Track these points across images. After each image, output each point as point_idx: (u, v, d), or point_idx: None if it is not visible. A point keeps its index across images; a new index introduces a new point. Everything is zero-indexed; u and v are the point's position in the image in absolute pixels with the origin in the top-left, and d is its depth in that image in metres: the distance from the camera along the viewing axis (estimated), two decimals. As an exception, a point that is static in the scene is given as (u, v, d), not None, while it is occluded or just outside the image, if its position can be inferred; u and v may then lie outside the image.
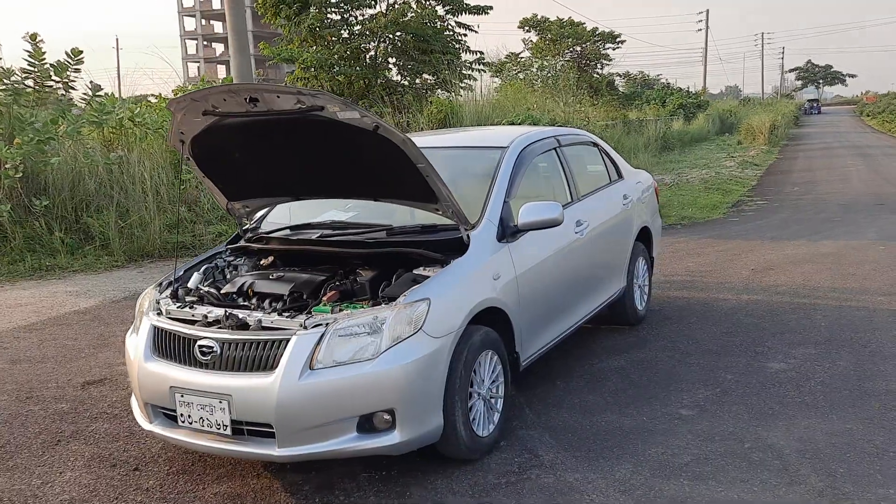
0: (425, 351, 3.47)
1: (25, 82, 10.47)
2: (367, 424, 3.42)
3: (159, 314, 3.83)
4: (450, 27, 15.89)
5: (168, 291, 4.05)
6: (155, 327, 3.78)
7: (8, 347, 6.24)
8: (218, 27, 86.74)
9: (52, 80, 10.66)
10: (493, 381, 4.00)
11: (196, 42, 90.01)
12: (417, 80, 15.51)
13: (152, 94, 15.17)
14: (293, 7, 14.87)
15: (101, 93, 10.74)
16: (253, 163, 4.20)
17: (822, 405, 4.43)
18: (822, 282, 7.46)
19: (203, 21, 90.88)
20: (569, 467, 3.78)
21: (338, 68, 14.30)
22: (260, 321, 3.53)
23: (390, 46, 15.45)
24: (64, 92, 10.55)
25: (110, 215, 10.08)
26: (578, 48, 35.58)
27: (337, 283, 3.85)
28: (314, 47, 14.69)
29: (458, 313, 3.67)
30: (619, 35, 36.16)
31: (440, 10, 15.67)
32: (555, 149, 5.21)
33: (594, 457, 3.88)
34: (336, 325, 3.41)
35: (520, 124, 11.81)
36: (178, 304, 3.84)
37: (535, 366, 5.04)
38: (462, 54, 16.06)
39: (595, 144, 5.97)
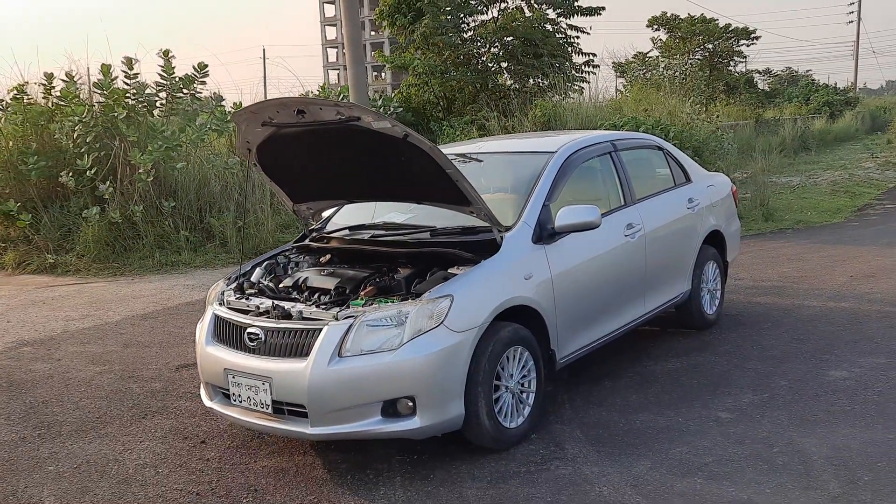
0: (446, 343, 3.73)
1: (159, 94, 11.50)
2: (390, 409, 3.72)
3: (220, 304, 4.30)
4: (562, 30, 15.95)
5: (234, 284, 4.51)
6: (216, 315, 4.25)
7: (124, 333, 7.00)
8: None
9: (183, 92, 11.64)
10: (524, 376, 4.20)
11: (336, 50, 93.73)
12: (530, 83, 15.65)
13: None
14: (407, 16, 15.44)
15: (223, 103, 11.66)
16: (311, 169, 4.61)
17: (872, 415, 4.33)
18: (922, 290, 7.09)
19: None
20: (589, 461, 3.93)
21: (448, 74, 14.70)
22: (301, 312, 3.91)
23: (502, 51, 15.71)
24: (191, 102, 11.51)
25: (230, 216, 10.91)
26: (710, 45, 34.41)
27: (377, 279, 4.18)
28: (427, 54, 15.17)
29: (482, 310, 3.90)
30: (753, 31, 34.68)
31: (551, 14, 15.77)
32: (610, 153, 5.31)
33: (617, 453, 4.01)
34: (364, 317, 3.74)
35: (621, 127, 11.77)
36: (237, 296, 4.28)
37: (585, 365, 5.21)
38: (574, 56, 16.09)
39: (660, 148, 5.99)
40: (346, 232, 4.89)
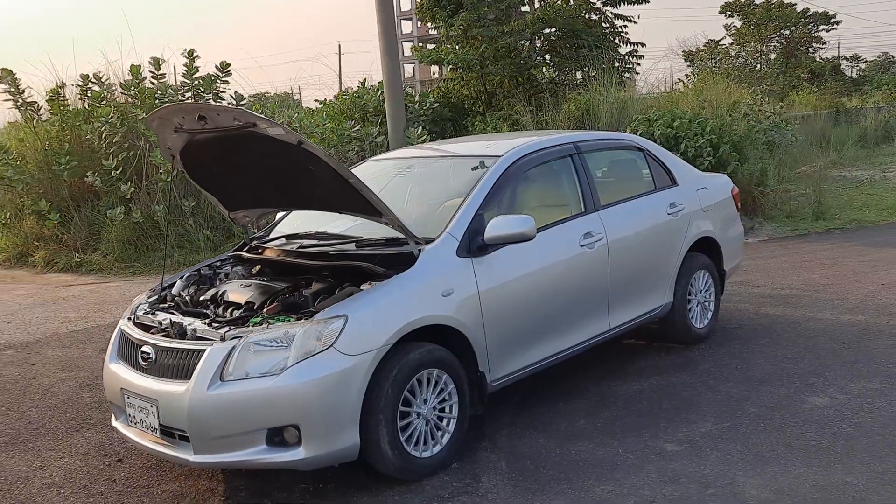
0: (336, 368, 3.45)
1: (185, 94, 11.55)
2: (276, 438, 3.47)
3: (129, 319, 4.13)
4: (607, 19, 15.33)
5: (155, 297, 4.34)
6: (121, 331, 4.09)
7: (108, 337, 6.95)
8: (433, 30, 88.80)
9: (211, 92, 11.65)
10: (444, 401, 3.88)
11: (411, 44, 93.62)
12: (573, 75, 15.11)
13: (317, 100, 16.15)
14: (447, 9, 15.11)
15: (243, 102, 11.62)
16: (236, 176, 4.39)
17: (837, 452, 3.83)
18: (956, 302, 6.39)
19: (419, 24, 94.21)
20: (500, 498, 3.59)
21: (484, 68, 14.31)
22: (195, 330, 3.70)
23: (545, 43, 15.22)
24: (214, 102, 11.51)
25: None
26: (786, 32, 32.74)
27: (286, 295, 3.93)
28: (464, 47, 14.80)
29: (383, 331, 3.61)
30: (833, 15, 32.85)
31: (597, 3, 15.17)
32: (571, 156, 4.90)
33: (535, 489, 3.65)
34: (250, 338, 3.50)
35: (655, 122, 11.16)
36: (146, 310, 4.11)
37: (545, 383, 4.90)
38: (621, 47, 15.44)
39: (639, 149, 5.52)
40: (283, 241, 4.67)
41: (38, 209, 11.12)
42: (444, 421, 3.90)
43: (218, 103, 11.62)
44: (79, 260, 10.66)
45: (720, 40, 33.05)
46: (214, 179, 4.52)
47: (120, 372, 3.91)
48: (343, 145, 12.09)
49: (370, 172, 5.13)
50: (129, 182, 10.77)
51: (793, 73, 32.06)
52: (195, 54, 11.40)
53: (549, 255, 4.45)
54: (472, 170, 4.48)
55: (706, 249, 5.73)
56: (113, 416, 4.12)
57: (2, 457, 4.43)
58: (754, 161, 11.64)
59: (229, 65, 11.43)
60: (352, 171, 3.70)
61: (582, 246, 4.65)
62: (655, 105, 13.17)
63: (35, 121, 11.72)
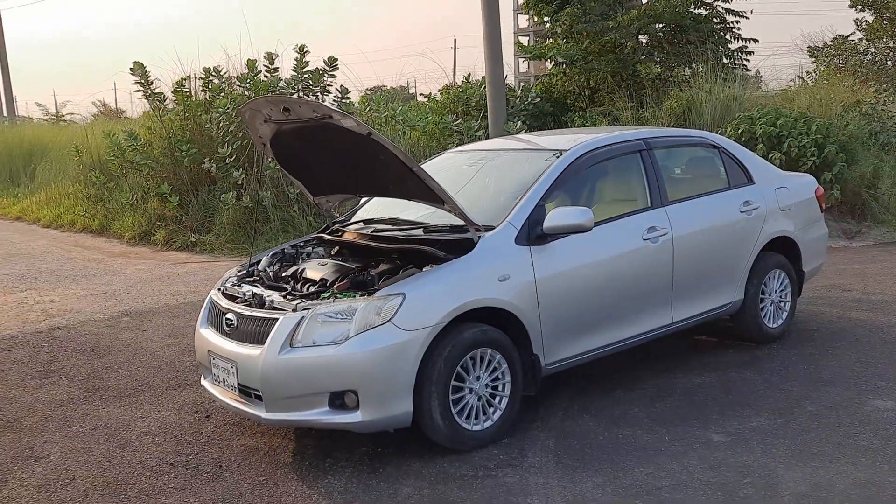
0: (391, 341, 3.76)
1: (296, 87, 12.20)
2: (337, 401, 3.82)
3: (219, 289, 4.59)
4: (718, 14, 14.97)
5: (244, 271, 4.79)
6: (211, 300, 4.55)
7: (212, 310, 7.58)
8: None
9: (319, 85, 12.25)
10: (496, 379, 4.13)
11: (528, 38, 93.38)
12: (683, 71, 14.86)
13: (422, 94, 16.59)
14: (552, 4, 15.20)
15: (348, 95, 12.17)
16: (320, 163, 4.78)
17: (888, 454, 3.83)
18: None
19: (535, 17, 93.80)
20: (542, 472, 3.81)
21: (587, 63, 14.33)
22: (272, 302, 4.10)
23: (651, 39, 15.04)
24: (321, 96, 12.11)
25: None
26: (924, 27, 30.68)
27: (355, 273, 4.27)
28: (569, 43, 14.86)
29: (438, 309, 3.88)
30: (978, 9, 30.46)
31: (708, -2, 14.87)
32: (640, 152, 5.02)
33: (576, 466, 3.85)
34: (316, 311, 3.86)
35: (758, 119, 10.90)
36: (233, 282, 4.55)
37: (605, 371, 5.06)
38: (731, 43, 15.04)
39: (715, 146, 5.54)
40: (361, 225, 5.02)
41: (160, 192, 12.06)
42: (497, 398, 4.15)
43: (324, 97, 12.24)
44: (194, 240, 11.47)
45: (849, 36, 31.39)
46: (300, 167, 4.93)
47: (208, 336, 4.37)
48: (444, 138, 12.45)
49: (448, 163, 5.43)
50: (241, 169, 11.49)
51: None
52: (305, 49, 12.02)
53: (609, 247, 4.61)
54: (545, 161, 4.68)
55: (784, 249, 5.69)
56: (202, 375, 4.59)
57: (111, 406, 5.00)
58: (865, 163, 11.17)
59: (336, 59, 11.99)
60: (420, 162, 3.98)
61: (645, 240, 4.77)
62: (764, 102, 12.83)
63: (161, 110, 12.68)
